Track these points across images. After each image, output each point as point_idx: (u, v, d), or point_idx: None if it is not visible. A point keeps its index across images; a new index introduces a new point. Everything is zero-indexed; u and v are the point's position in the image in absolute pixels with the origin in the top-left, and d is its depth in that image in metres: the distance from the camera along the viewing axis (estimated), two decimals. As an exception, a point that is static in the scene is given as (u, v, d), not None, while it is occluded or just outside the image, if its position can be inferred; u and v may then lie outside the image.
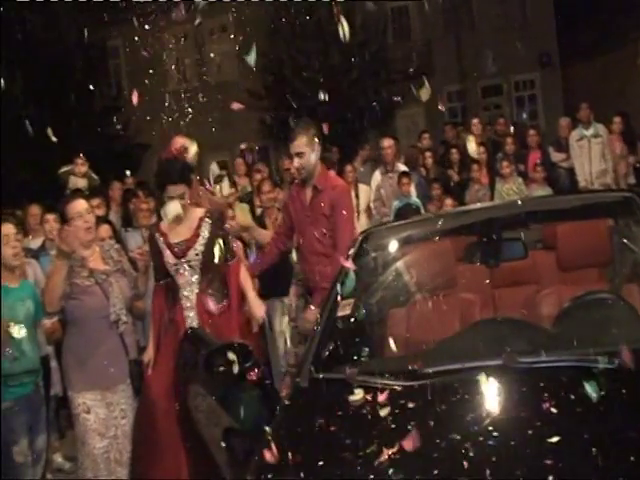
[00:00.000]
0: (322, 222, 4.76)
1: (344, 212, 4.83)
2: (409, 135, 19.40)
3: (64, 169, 9.08)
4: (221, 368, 2.97)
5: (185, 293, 4.46)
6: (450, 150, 11.07)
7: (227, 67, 22.32)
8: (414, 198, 9.09)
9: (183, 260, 4.44)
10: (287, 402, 2.74)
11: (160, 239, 4.50)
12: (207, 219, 4.53)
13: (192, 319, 4.40)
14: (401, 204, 8.89)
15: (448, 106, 22.66)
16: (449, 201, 8.74)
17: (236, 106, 5.84)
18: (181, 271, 4.46)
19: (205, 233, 4.49)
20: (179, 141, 5.48)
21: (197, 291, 4.46)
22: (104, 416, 4.31)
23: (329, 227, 4.75)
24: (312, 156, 4.79)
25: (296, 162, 4.78)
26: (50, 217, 6.33)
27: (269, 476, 2.27)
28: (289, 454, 2.36)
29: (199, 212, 4.57)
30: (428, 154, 10.96)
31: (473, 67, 21.23)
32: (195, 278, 4.47)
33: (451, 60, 21.43)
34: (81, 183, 8.58)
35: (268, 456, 2.40)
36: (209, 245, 4.47)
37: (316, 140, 4.82)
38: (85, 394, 4.30)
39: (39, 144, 15.57)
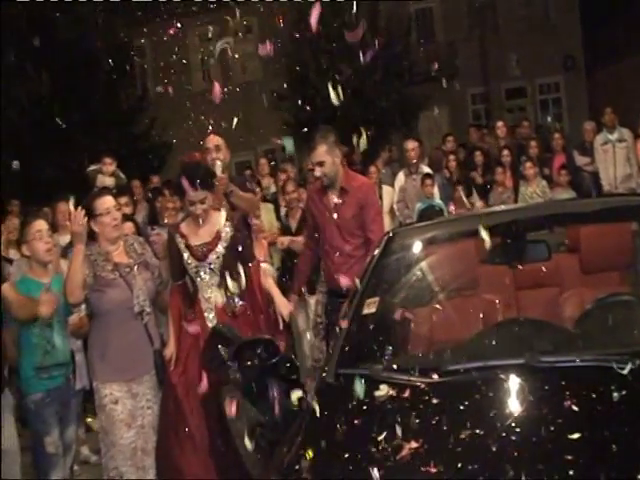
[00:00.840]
0: (350, 222, 4.83)
1: (374, 209, 4.99)
2: (432, 136, 19.43)
3: (92, 168, 9.22)
4: (249, 363, 3.05)
5: (205, 295, 4.53)
6: (474, 152, 11.10)
7: (251, 68, 22.47)
8: (437, 200, 9.13)
9: (204, 263, 4.51)
10: (313, 397, 2.80)
11: (180, 240, 4.55)
12: (228, 222, 4.59)
13: (212, 320, 4.47)
14: (424, 206, 8.93)
15: (472, 108, 22.68)
16: (479, 203, 8.85)
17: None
18: (202, 273, 4.52)
19: (226, 236, 4.55)
20: (213, 139, 5.54)
21: (217, 293, 4.52)
22: (131, 407, 4.38)
23: (357, 226, 4.81)
24: (334, 162, 4.85)
25: (318, 171, 4.84)
26: (78, 214, 6.45)
27: (294, 470, 2.32)
28: (314, 449, 2.43)
29: (220, 215, 4.63)
30: (452, 157, 11.01)
31: (497, 69, 21.20)
32: (215, 280, 4.53)
33: (475, 62, 21.41)
34: (108, 181, 8.72)
35: (293, 450, 2.47)
36: (230, 248, 4.54)
37: (336, 146, 4.88)
38: (111, 385, 4.37)
39: (66, 142, 15.83)
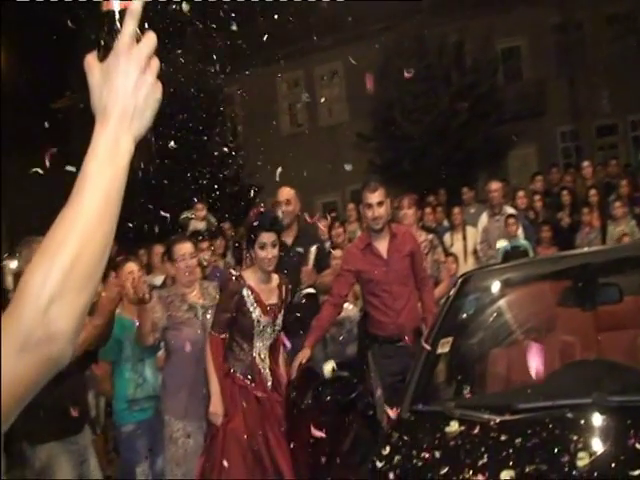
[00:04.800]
0: (404, 265, 4.99)
1: (422, 253, 5.33)
2: (520, 175, 19.25)
3: (185, 215, 9.62)
4: (329, 398, 3.22)
5: (262, 355, 4.49)
6: (561, 192, 10.99)
7: (337, 110, 22.93)
8: (522, 240, 9.07)
9: (271, 323, 4.50)
10: (389, 432, 2.94)
11: (250, 295, 4.44)
12: (288, 286, 4.66)
13: (268, 380, 4.47)
14: (509, 246, 8.89)
15: (562, 146, 22.35)
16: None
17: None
18: (266, 333, 4.51)
19: (287, 300, 4.63)
20: (284, 193, 5.79)
21: (269, 355, 4.52)
22: (202, 442, 4.51)
23: (409, 269, 5.01)
24: (388, 207, 5.06)
25: (377, 211, 4.94)
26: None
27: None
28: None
29: (278, 278, 4.63)
30: (537, 197, 10.90)
31: (587, 106, 20.88)
32: (272, 342, 4.55)
33: (564, 99, 21.15)
34: (200, 226, 9.10)
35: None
36: (286, 312, 4.62)
37: None
38: (183, 420, 4.54)
39: (160, 186, 16.54)
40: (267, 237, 4.39)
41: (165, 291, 4.75)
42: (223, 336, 4.44)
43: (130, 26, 1.07)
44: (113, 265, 4.87)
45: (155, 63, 1.10)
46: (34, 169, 5.69)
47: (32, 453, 3.97)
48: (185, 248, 4.73)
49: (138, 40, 1.08)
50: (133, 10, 1.07)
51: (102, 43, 1.08)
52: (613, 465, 2.22)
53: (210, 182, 16.73)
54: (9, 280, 6.00)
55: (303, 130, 21.81)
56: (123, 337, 4.78)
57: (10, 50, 18.81)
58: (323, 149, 20.82)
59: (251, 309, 4.41)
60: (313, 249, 5.59)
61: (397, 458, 2.62)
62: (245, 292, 4.42)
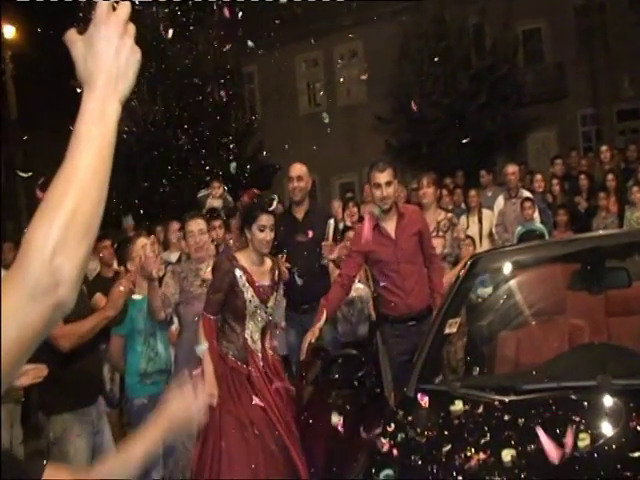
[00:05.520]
0: (413, 244, 5.00)
1: (429, 232, 5.31)
2: (540, 159, 19.14)
3: (202, 193, 9.71)
4: (337, 376, 3.28)
5: (254, 337, 4.47)
6: (579, 176, 10.93)
7: (356, 91, 22.84)
8: (538, 224, 9.03)
9: (264, 305, 4.48)
10: (394, 409, 2.99)
11: (242, 276, 4.40)
12: (280, 269, 4.65)
13: (259, 362, 4.46)
14: (524, 229, 8.86)
15: (582, 130, 22.16)
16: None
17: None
18: (258, 315, 4.47)
19: (280, 283, 4.64)
20: (296, 169, 5.84)
21: (261, 336, 4.51)
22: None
23: (417, 247, 5.02)
24: (396, 187, 5.11)
25: (385, 191, 4.95)
26: (186, 232, 6.86)
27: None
28: (395, 458, 2.60)
29: (270, 260, 4.60)
30: (555, 181, 10.85)
31: (608, 90, 20.67)
32: (264, 324, 4.53)
33: (585, 83, 20.94)
34: (217, 203, 9.19)
35: (376, 459, 2.65)
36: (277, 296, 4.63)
37: None
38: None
39: (179, 164, 16.62)
40: (266, 219, 4.38)
41: (179, 266, 4.84)
42: (215, 317, 4.42)
43: None
44: (127, 240, 4.94)
45: (132, 28, 1.17)
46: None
47: (47, 424, 4.07)
48: (195, 225, 4.82)
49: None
50: None
51: (81, 16, 1.16)
52: (615, 447, 2.25)
53: (228, 161, 16.78)
54: None
55: (321, 110, 21.77)
56: (135, 311, 4.84)
57: (28, 26, 18.89)
58: (341, 130, 20.80)
59: (243, 290, 4.38)
60: (331, 222, 5.64)
61: (402, 436, 2.67)
62: (238, 273, 4.39)
